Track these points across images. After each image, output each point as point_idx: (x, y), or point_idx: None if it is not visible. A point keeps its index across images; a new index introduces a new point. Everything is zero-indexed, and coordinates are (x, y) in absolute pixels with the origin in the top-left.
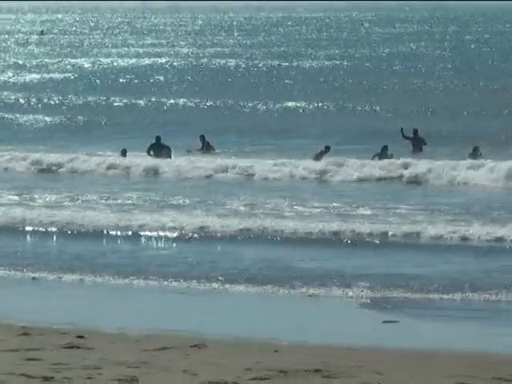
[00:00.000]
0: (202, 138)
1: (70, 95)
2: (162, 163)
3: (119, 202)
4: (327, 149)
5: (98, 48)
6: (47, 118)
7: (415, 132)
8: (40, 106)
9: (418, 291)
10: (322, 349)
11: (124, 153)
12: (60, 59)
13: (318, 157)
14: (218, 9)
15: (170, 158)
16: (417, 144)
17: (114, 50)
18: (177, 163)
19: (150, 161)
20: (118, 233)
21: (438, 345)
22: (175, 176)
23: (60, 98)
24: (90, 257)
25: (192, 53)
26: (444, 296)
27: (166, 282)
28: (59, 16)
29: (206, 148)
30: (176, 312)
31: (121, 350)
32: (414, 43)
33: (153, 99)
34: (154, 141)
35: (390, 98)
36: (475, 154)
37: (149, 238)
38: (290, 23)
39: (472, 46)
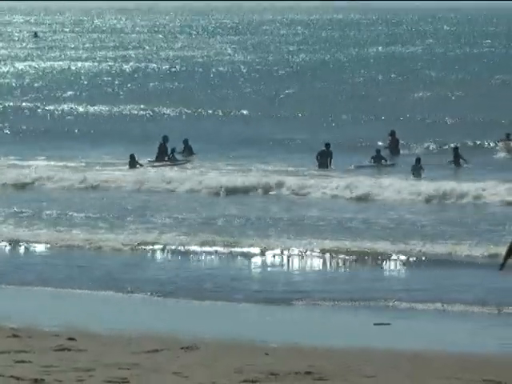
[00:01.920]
0: (186, 141)
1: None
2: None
3: None
4: (327, 146)
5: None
6: None
7: (392, 133)
8: None
9: None
10: (313, 351)
11: (133, 160)
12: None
13: (321, 156)
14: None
15: (175, 162)
16: (394, 145)
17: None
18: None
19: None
20: None
21: (429, 347)
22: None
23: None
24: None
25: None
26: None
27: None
28: (49, 17)
29: (188, 152)
30: (167, 314)
31: (112, 352)
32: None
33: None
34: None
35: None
36: (456, 154)
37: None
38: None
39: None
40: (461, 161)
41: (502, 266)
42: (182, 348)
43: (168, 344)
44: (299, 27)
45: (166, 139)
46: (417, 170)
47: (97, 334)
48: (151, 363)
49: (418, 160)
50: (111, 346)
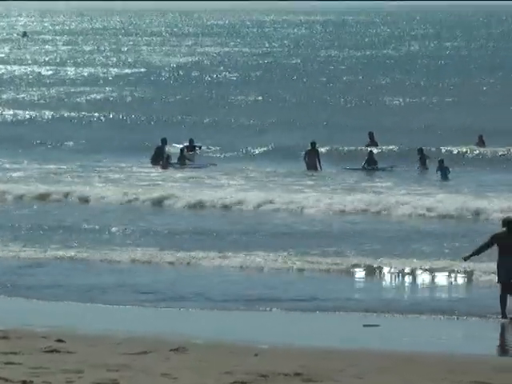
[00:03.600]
0: (191, 141)
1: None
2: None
3: None
4: (313, 145)
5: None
6: None
7: (371, 135)
8: None
9: None
10: (303, 352)
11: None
12: None
13: (309, 157)
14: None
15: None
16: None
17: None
18: None
19: None
20: None
21: (419, 349)
22: None
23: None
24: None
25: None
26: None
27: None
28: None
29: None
30: (157, 316)
31: (101, 353)
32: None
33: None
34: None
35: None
36: (422, 155)
37: None
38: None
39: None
40: (427, 161)
41: (467, 258)
42: (171, 350)
43: (157, 346)
44: (276, 25)
45: (164, 141)
46: (443, 171)
47: (85, 335)
48: (140, 365)
49: (442, 161)
50: (100, 347)
